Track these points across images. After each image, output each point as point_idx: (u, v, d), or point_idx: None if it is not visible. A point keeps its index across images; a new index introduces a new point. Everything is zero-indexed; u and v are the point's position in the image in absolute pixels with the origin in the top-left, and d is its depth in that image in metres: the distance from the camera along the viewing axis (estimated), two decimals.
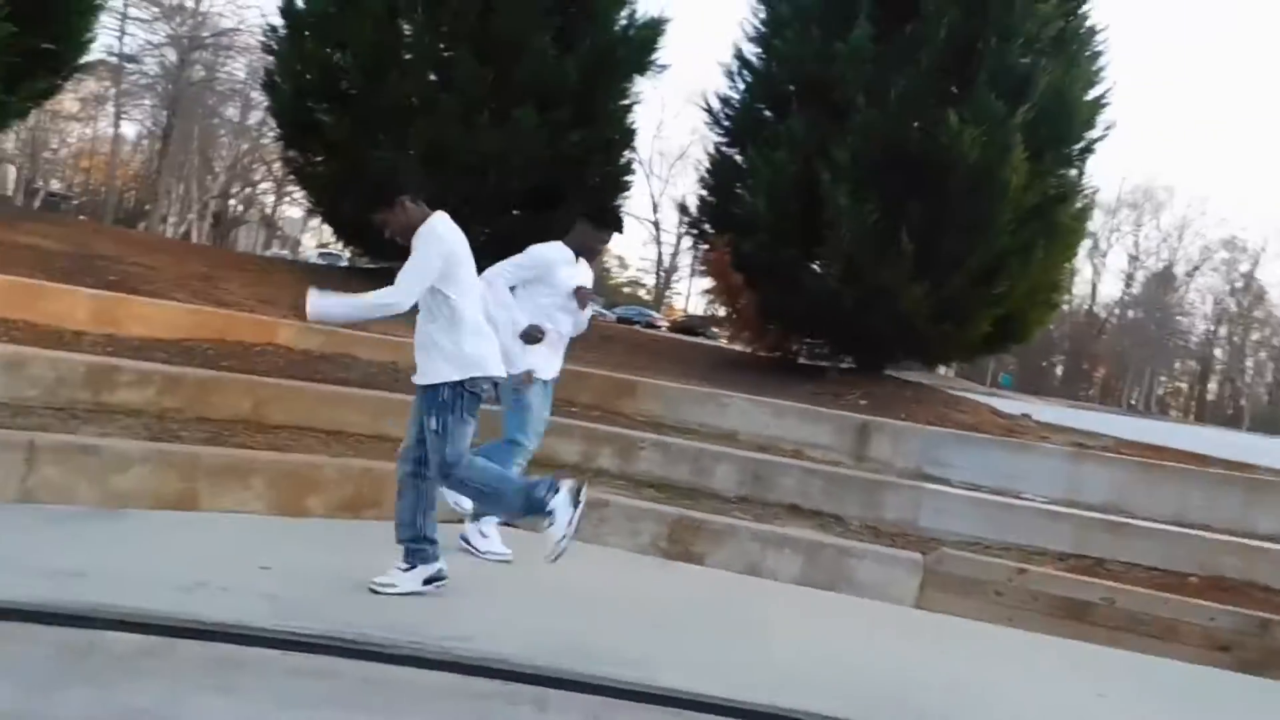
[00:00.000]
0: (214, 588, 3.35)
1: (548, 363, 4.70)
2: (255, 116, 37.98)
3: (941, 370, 25.05)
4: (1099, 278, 62.42)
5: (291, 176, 16.98)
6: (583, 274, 4.86)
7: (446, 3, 10.29)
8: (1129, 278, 64.05)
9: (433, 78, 10.62)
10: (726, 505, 5.91)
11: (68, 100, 35.30)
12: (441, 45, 10.63)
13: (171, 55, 33.49)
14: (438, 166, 10.25)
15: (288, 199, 44.35)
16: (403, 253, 3.79)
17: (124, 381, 5.47)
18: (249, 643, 2.77)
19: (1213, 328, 64.26)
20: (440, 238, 3.73)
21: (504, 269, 4.66)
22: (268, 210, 48.95)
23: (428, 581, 3.74)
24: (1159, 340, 60.39)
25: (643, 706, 2.97)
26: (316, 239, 46.17)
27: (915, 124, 9.51)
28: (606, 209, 4.98)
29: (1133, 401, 59.81)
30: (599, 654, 3.35)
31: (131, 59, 31.77)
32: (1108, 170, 61.88)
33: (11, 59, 8.95)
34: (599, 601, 4.21)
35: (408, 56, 10.66)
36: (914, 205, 9.35)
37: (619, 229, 5.10)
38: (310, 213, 22.87)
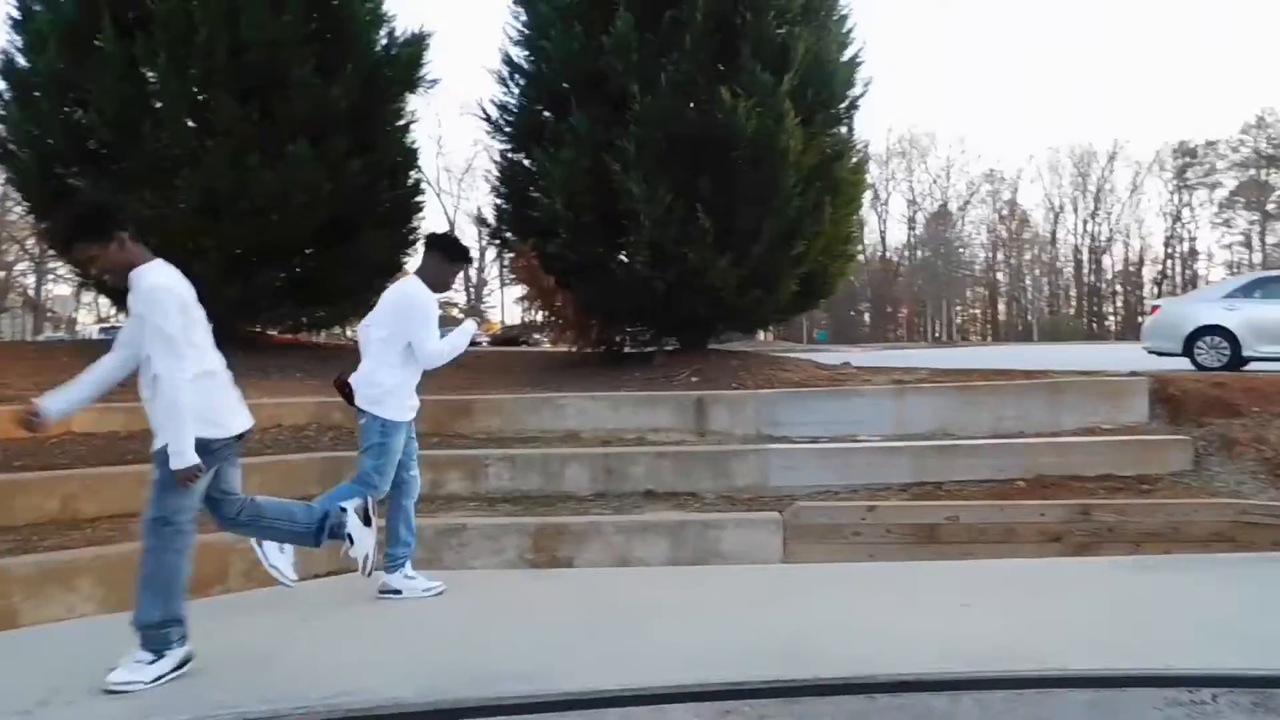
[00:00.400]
0: (59, 703, 3.02)
1: (410, 402, 4.62)
2: None
3: (761, 336, 26.01)
4: (884, 225, 66.80)
5: (51, 251, 15.56)
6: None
7: (191, 43, 9.67)
8: (911, 221, 68.90)
9: (191, 124, 9.97)
10: (584, 504, 5.89)
11: None
12: (194, 89, 9.98)
13: None
14: (213, 217, 9.67)
15: (51, 276, 40.77)
16: None
17: None
18: None
19: (991, 254, 70.16)
20: (171, 289, 3.36)
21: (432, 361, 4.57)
22: (29, 292, 44.76)
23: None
24: (948, 274, 65.31)
25: (549, 715, 2.93)
26: (94, 314, 42.66)
27: (691, 105, 9.77)
28: (454, 240, 4.79)
29: (936, 334, 64.35)
30: (492, 675, 3.25)
31: None
32: (875, 125, 66.21)
33: None
34: (478, 624, 4.10)
35: (158, 105, 9.96)
36: (705, 183, 9.61)
37: (468, 259, 4.92)
38: (81, 287, 21.07)
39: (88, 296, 35.88)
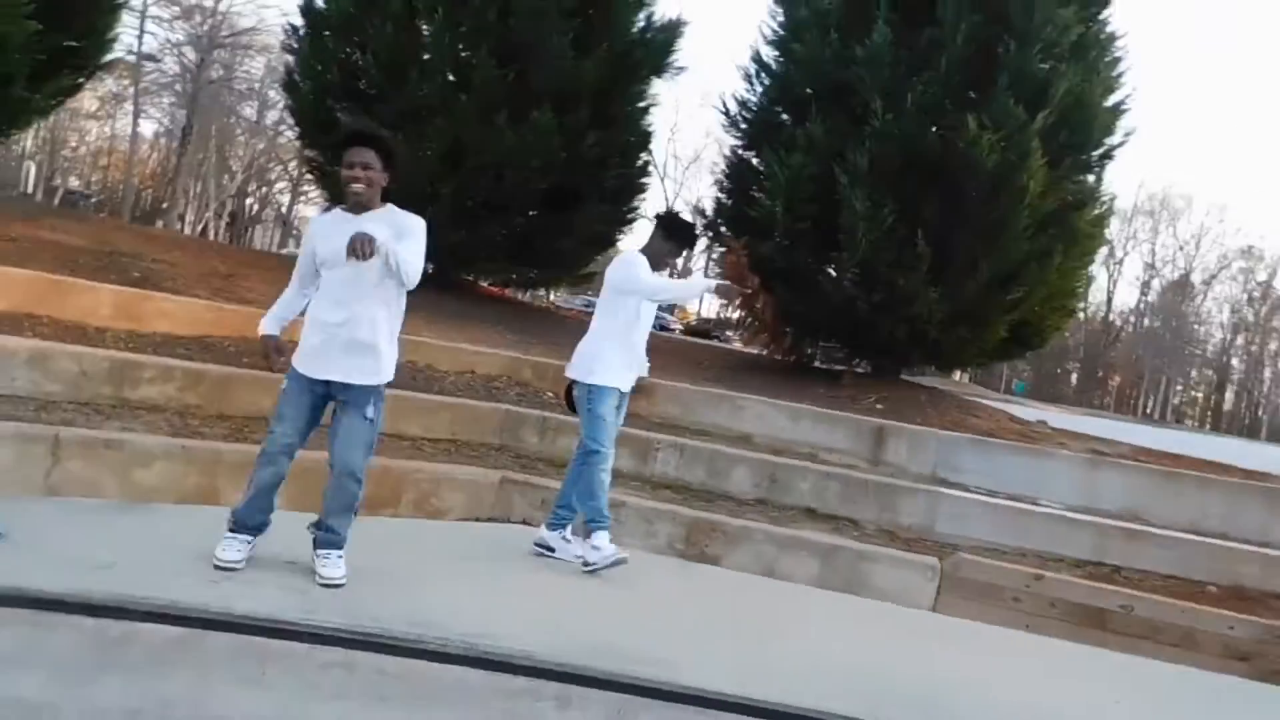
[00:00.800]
0: (240, 581, 3.38)
1: (625, 374, 4.65)
2: (272, 116, 38.28)
3: (956, 376, 24.98)
4: (1115, 285, 62.10)
5: (310, 175, 17.05)
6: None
7: (467, 3, 10.33)
8: (1145, 285, 63.69)
9: (451, 78, 10.66)
10: (743, 507, 5.92)
11: (87, 99, 35.60)
12: (460, 46, 10.67)
13: (190, 54, 33.66)
14: (455, 166, 10.32)
15: (303, 198, 44.61)
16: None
17: (147, 378, 5.52)
18: (277, 635, 2.83)
19: (1229, 336, 63.87)
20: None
21: (641, 280, 4.53)
22: (283, 209, 49.22)
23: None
24: (1175, 349, 60.04)
25: (664, 704, 3.01)
26: None
27: (933, 129, 9.50)
28: (677, 219, 4.78)
29: (1148, 410, 59.47)
30: (621, 653, 3.35)
31: (151, 58, 31.91)
32: (1126, 177, 61.63)
33: (36, 57, 9.03)
34: (619, 602, 4.22)
35: (426, 57, 10.71)
36: (931, 210, 9.34)
37: (691, 243, 4.92)
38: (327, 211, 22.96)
39: None
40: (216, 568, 3.47)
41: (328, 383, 3.59)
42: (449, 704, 2.69)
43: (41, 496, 4.31)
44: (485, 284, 12.88)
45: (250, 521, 3.61)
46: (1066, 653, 4.68)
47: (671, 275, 4.93)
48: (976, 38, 9.45)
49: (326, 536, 3.64)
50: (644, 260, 4.57)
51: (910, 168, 9.40)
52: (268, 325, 3.75)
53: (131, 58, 29.52)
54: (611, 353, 4.54)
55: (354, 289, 3.54)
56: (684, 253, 4.94)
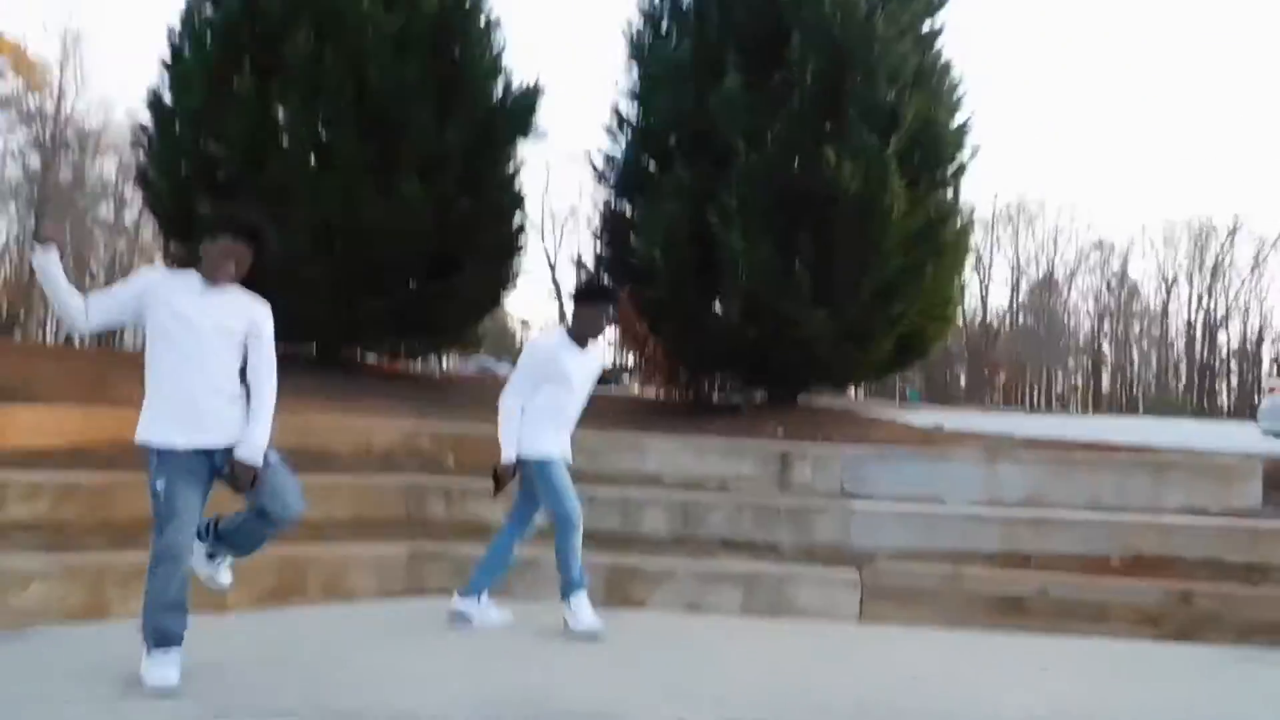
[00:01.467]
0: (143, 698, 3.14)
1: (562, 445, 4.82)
2: (130, 215, 36.97)
3: (852, 395, 25.64)
4: (987, 289, 65.21)
5: (175, 265, 16.49)
6: (590, 358, 4.86)
7: (321, 87, 10.24)
8: (1015, 286, 67.09)
9: (312, 160, 10.51)
10: (660, 547, 5.87)
11: None
12: (320, 128, 10.54)
13: (34, 160, 32.34)
14: (327, 246, 10.13)
15: None
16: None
17: (14, 496, 5.15)
18: None
19: (1096, 324, 67.75)
20: None
21: (515, 381, 4.78)
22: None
23: None
24: (1050, 341, 63.30)
25: None
26: None
27: (796, 162, 9.84)
28: (589, 286, 5.08)
29: (1035, 401, 62.26)
30: (561, 708, 3.26)
31: None
32: (982, 190, 65.13)
33: None
34: (546, 656, 4.12)
35: (285, 142, 10.54)
36: (804, 238, 9.63)
37: (609, 298, 4.99)
38: None
39: None
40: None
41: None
42: None
43: None
44: (373, 359, 12.61)
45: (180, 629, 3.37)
46: (990, 641, 4.79)
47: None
48: (825, 75, 9.87)
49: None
50: (528, 353, 4.87)
51: (779, 201, 9.69)
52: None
53: None
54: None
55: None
56: (609, 309, 4.96)
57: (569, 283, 46.06)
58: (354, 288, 10.53)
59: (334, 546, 5.40)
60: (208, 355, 3.39)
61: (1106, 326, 68.35)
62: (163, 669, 3.26)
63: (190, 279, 3.47)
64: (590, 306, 4.78)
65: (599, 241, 11.90)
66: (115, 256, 41.98)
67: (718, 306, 10.36)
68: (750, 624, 5.00)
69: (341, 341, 11.09)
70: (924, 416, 12.29)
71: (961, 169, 11.26)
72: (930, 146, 10.39)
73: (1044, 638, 4.89)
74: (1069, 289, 67.28)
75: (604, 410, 10.77)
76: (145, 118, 11.42)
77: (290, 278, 9.23)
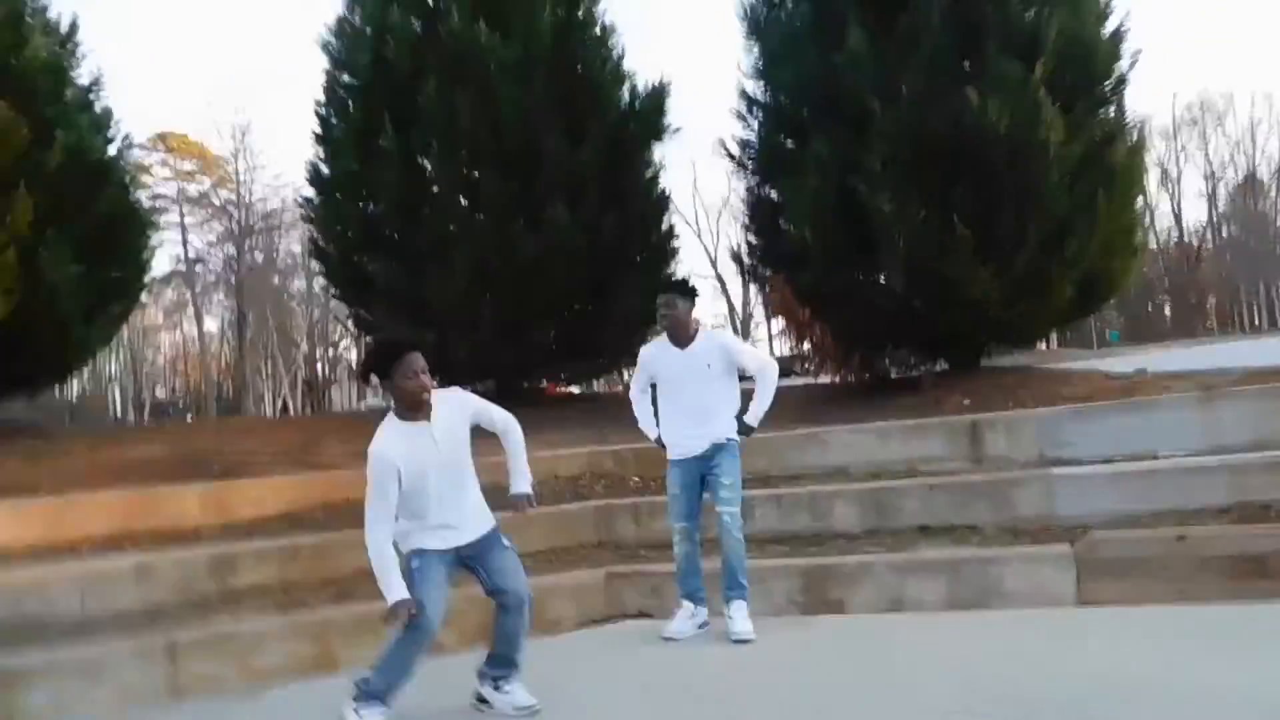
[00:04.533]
0: None
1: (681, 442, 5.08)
2: (320, 283, 39.91)
3: (1042, 345, 24.13)
4: (1179, 205, 59.77)
5: (355, 330, 17.59)
6: (690, 355, 4.97)
7: (460, 130, 10.58)
8: (1211, 196, 61.11)
9: (464, 203, 10.91)
10: (855, 543, 5.70)
11: (152, 312, 37.59)
12: (464, 169, 10.94)
13: (230, 248, 35.44)
14: (486, 285, 10.47)
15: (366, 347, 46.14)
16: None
17: (246, 565, 5.60)
18: None
19: None
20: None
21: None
22: (352, 364, 50.80)
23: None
24: (1263, 251, 57.29)
25: None
26: None
27: (936, 111, 9.32)
28: (676, 282, 5.26)
29: (1255, 323, 56.68)
30: None
31: (197, 260, 33.72)
32: (1156, 96, 59.72)
33: (88, 296, 9.57)
34: (746, 680, 4.05)
35: (435, 189, 10.99)
36: (960, 191, 9.12)
37: (671, 289, 5.12)
38: None
39: None
40: None
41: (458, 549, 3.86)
42: None
43: (168, 704, 4.36)
44: (542, 385, 12.97)
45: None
46: (1229, 615, 4.28)
47: (696, 332, 5.05)
48: (952, 10, 9.32)
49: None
50: (641, 356, 5.23)
51: (926, 155, 9.21)
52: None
53: (182, 268, 31.19)
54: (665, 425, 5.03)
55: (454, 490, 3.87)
56: (693, 302, 5.07)
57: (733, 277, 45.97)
58: (519, 321, 10.86)
59: (533, 579, 5.55)
60: (453, 486, 3.85)
61: None
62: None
63: (402, 430, 3.76)
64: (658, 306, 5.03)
65: (748, 230, 11.71)
66: (311, 324, 45.32)
67: (879, 279, 9.97)
68: (957, 618, 4.75)
69: (515, 373, 11.46)
70: (1126, 361, 11.41)
71: (1122, 81, 10.31)
72: (1081, 64, 9.57)
73: None
74: (1276, 187, 60.55)
75: (781, 404, 10.58)
76: (308, 190, 12.22)
77: (461, 320, 9.67)
